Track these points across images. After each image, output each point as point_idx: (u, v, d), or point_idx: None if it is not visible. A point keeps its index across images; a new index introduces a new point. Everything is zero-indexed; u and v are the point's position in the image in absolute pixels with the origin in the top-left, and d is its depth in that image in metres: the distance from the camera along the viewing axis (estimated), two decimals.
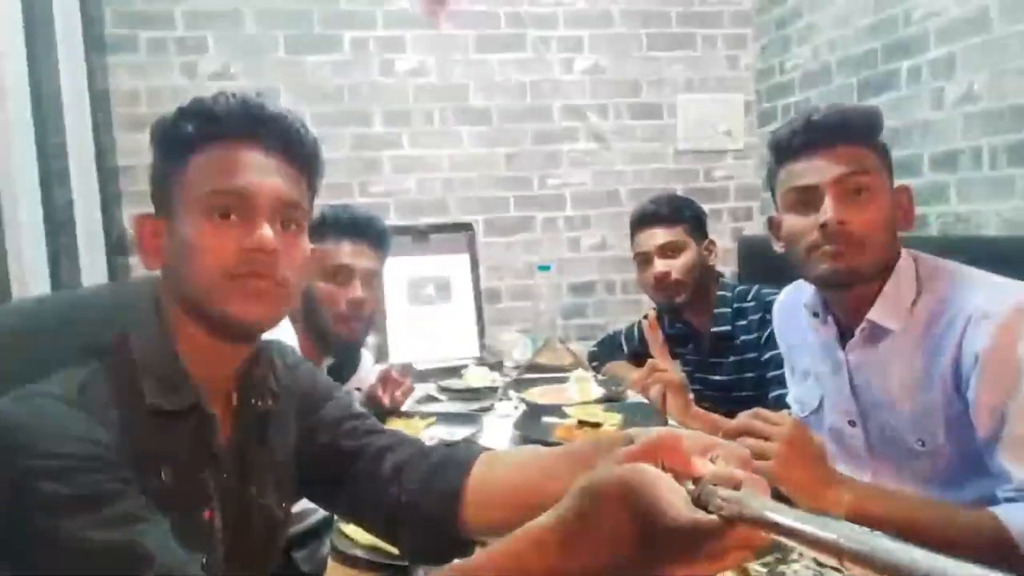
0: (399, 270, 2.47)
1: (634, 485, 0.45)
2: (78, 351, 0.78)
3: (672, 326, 1.92)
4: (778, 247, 1.25)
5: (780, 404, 1.55)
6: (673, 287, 1.78)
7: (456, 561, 0.59)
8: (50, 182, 1.88)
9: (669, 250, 1.79)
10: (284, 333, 1.56)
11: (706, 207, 2.74)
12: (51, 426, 0.66)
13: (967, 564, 0.31)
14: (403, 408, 1.68)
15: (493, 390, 1.90)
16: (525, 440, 1.44)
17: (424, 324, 2.44)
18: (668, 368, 1.42)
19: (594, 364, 2.09)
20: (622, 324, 2.78)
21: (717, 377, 1.81)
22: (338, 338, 1.56)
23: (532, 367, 2.08)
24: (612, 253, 2.75)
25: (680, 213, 1.82)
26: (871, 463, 1.22)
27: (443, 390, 1.94)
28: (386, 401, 1.61)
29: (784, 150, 1.17)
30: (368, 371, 1.92)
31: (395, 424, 1.60)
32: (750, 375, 1.73)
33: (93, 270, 2.10)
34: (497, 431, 1.54)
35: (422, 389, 1.96)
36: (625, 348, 2.11)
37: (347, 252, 1.57)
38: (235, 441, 0.86)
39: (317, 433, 0.95)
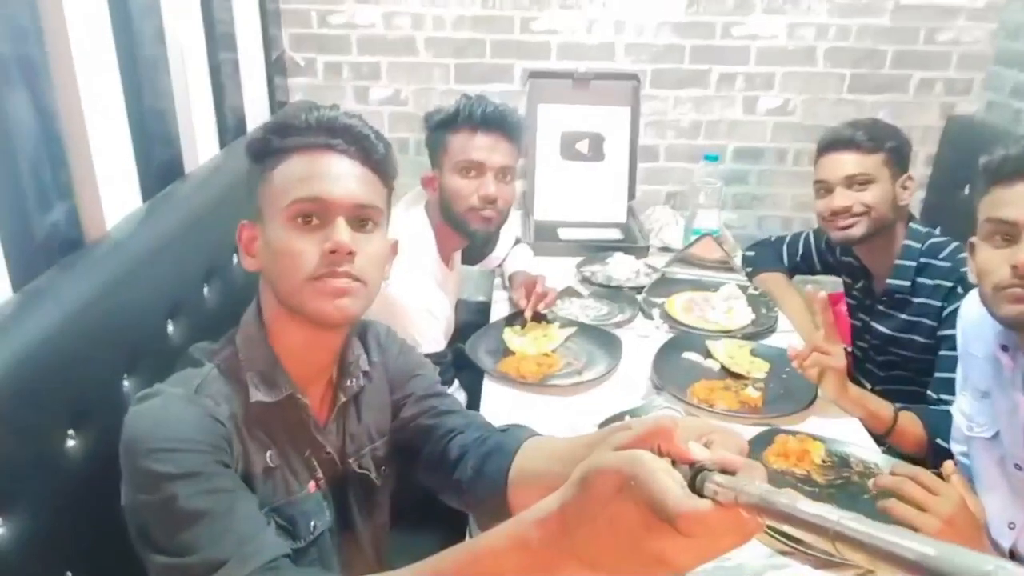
0: (553, 118, 2.34)
1: (630, 471, 0.46)
2: (199, 351, 0.93)
3: (847, 253, 1.74)
4: (971, 275, 1.11)
5: (942, 391, 1.42)
6: (852, 221, 1.57)
7: (467, 540, 0.62)
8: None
9: (857, 182, 1.55)
10: (418, 225, 1.56)
11: (917, 74, 2.40)
12: (170, 420, 0.81)
13: (968, 552, 0.30)
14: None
15: (636, 290, 1.84)
16: (658, 389, 1.41)
17: (572, 181, 2.34)
18: (831, 351, 1.30)
19: (748, 270, 1.95)
20: (786, 198, 2.56)
21: (882, 328, 1.66)
22: (471, 230, 1.55)
23: (681, 259, 1.98)
24: (792, 119, 2.44)
25: (880, 141, 1.55)
26: None
27: (584, 281, 1.90)
28: (528, 313, 1.60)
29: (992, 172, 1.03)
30: (506, 247, 1.90)
31: (533, 330, 1.60)
32: (919, 340, 1.58)
33: (254, 91, 2.09)
34: (634, 363, 1.51)
35: (562, 274, 1.92)
36: (785, 259, 1.94)
37: (480, 147, 1.50)
38: (333, 419, 0.98)
39: (403, 408, 1.05)
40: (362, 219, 0.89)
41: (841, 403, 1.36)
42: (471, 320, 2.07)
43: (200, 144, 1.65)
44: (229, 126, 1.86)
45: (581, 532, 0.49)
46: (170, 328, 1.23)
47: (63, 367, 0.95)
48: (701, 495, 0.44)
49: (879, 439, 1.36)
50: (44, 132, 1.10)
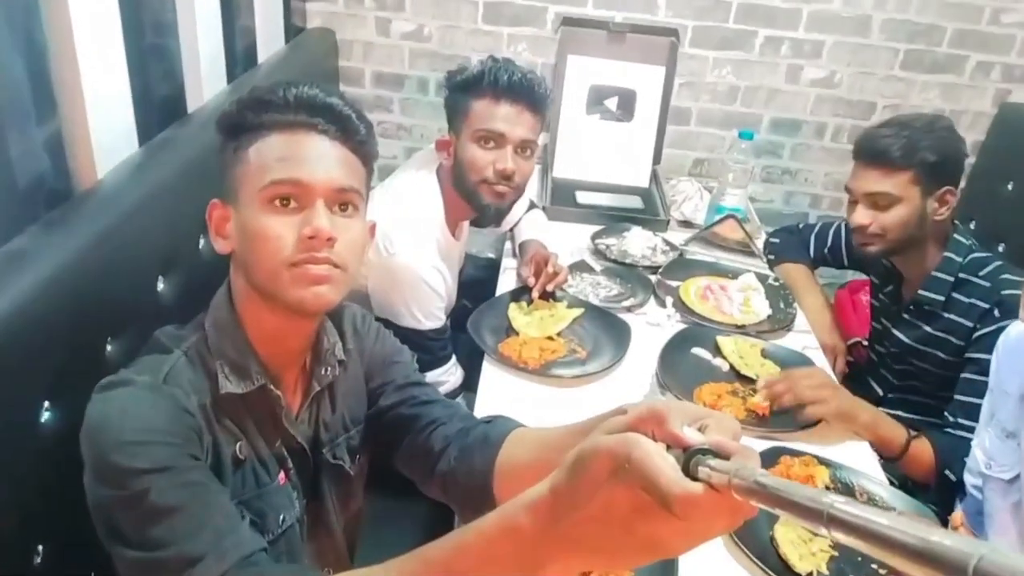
0: (583, 71, 2.20)
1: (624, 453, 0.46)
2: (166, 336, 0.87)
3: None
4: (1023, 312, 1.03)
5: (960, 415, 1.37)
6: (870, 240, 1.48)
7: (455, 530, 0.60)
8: None
9: (878, 201, 1.45)
10: (428, 190, 1.48)
11: (975, 56, 2.24)
12: (138, 411, 0.77)
13: (961, 536, 0.30)
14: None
15: (651, 270, 1.77)
16: (662, 388, 1.36)
17: (596, 140, 2.23)
18: (820, 397, 1.26)
19: (769, 257, 1.86)
20: (818, 175, 2.45)
21: (903, 336, 1.58)
22: (482, 203, 1.46)
23: (701, 238, 1.89)
24: (835, 93, 2.31)
25: (911, 156, 1.41)
26: None
27: (597, 254, 1.82)
28: (535, 293, 1.53)
29: None
30: (519, 211, 1.81)
31: (540, 309, 1.54)
32: (942, 356, 1.50)
33: (267, 15, 1.96)
34: (641, 354, 1.45)
35: (576, 242, 1.85)
36: (812, 250, 1.84)
37: (502, 116, 1.40)
38: (306, 408, 0.95)
39: (380, 397, 1.02)
40: (342, 203, 0.85)
41: (851, 429, 1.30)
42: (478, 276, 2.01)
43: (206, 78, 1.55)
44: (239, 56, 1.76)
45: (573, 516, 0.48)
46: (160, 286, 1.17)
47: (42, 335, 0.90)
48: (695, 479, 0.44)
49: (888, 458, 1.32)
50: (30, 66, 1.01)
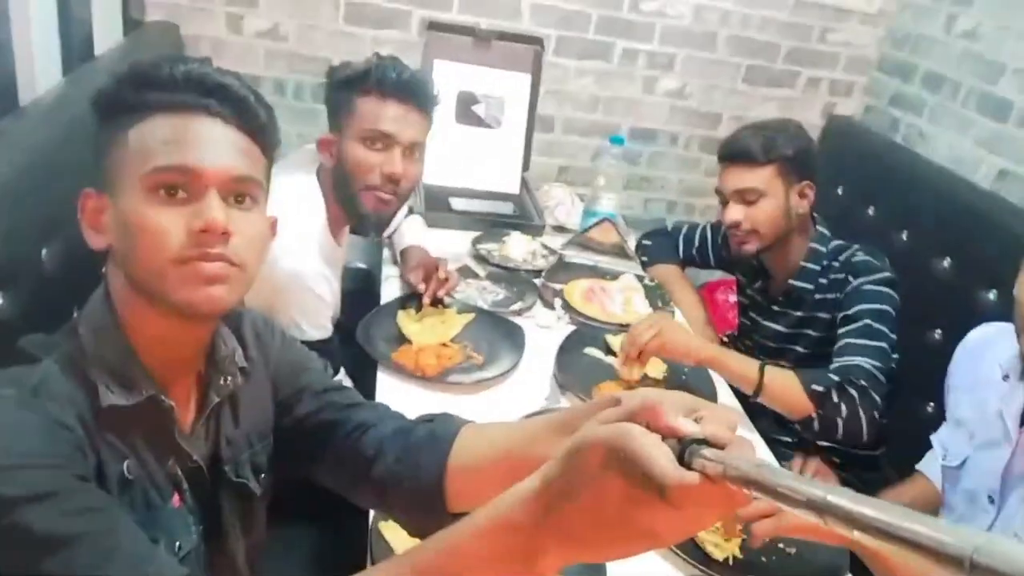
0: (449, 76, 2.17)
1: (619, 444, 0.46)
2: (32, 344, 0.75)
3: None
4: (1018, 288, 1.10)
5: (839, 355, 1.44)
6: (743, 237, 1.58)
7: (441, 531, 0.57)
8: None
9: (746, 197, 1.55)
10: (308, 193, 1.38)
11: (806, 72, 2.46)
12: (6, 430, 0.65)
13: (958, 528, 0.31)
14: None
15: (534, 274, 1.77)
16: (562, 389, 1.35)
17: (465, 147, 2.20)
18: (654, 332, 1.33)
19: (643, 259, 1.92)
20: (673, 181, 2.57)
21: (774, 325, 1.69)
22: (363, 211, 1.38)
23: (578, 242, 1.92)
24: (687, 104, 2.43)
25: (770, 151, 1.53)
26: None
27: (479, 259, 1.79)
28: (426, 299, 1.47)
29: None
30: (398, 217, 1.75)
31: (431, 316, 1.49)
32: (810, 332, 1.62)
33: (104, 6, 1.77)
34: (537, 357, 1.44)
35: (456, 249, 1.81)
36: (681, 251, 1.93)
37: (391, 117, 1.33)
38: (203, 423, 0.85)
39: (294, 406, 0.93)
40: (239, 194, 0.77)
41: (709, 366, 1.41)
42: (352, 287, 1.91)
43: (39, 69, 1.36)
44: (74, 47, 1.56)
45: (566, 507, 0.48)
46: None
47: None
48: (690, 469, 0.45)
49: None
50: None
